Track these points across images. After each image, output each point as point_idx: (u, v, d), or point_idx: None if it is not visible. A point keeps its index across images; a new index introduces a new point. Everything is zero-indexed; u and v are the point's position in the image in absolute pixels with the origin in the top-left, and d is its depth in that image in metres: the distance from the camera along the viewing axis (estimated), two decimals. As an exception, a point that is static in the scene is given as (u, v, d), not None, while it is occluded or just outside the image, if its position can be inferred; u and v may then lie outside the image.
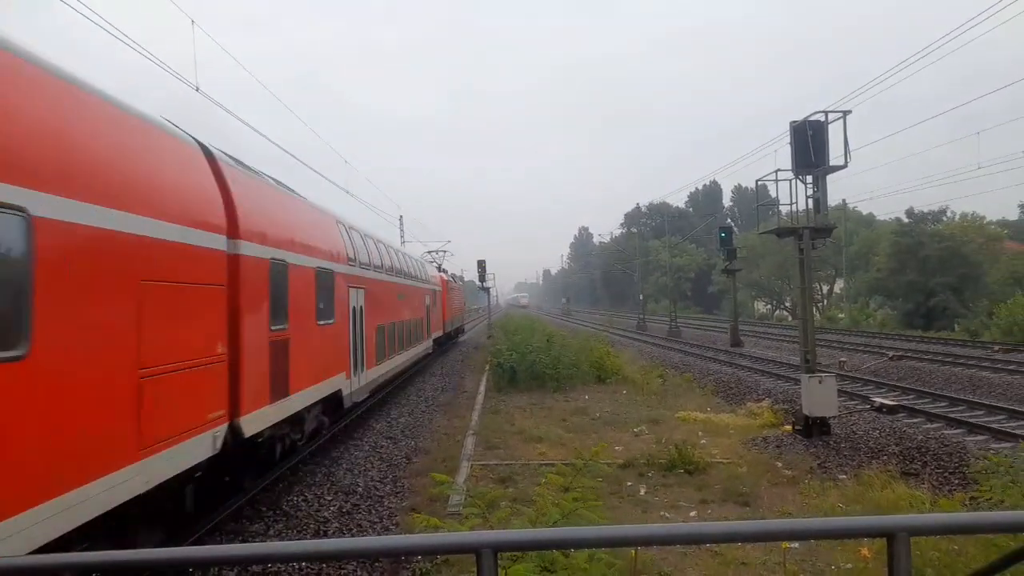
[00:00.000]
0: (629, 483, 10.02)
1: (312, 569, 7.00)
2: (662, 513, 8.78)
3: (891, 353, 26.10)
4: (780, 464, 11.14)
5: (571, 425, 14.58)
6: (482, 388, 20.24)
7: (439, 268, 40.90)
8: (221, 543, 7.59)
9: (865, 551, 6.25)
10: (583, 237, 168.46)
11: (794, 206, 14.23)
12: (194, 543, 7.22)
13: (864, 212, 70.88)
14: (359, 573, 6.94)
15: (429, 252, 46.98)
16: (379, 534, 8.32)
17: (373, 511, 9.19)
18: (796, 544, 7.11)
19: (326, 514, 8.99)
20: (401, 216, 58.06)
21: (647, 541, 2.56)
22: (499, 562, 2.05)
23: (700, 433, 13.58)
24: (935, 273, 46.60)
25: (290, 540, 7.87)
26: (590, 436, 13.19)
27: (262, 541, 7.86)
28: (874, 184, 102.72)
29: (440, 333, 32.65)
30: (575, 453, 10.15)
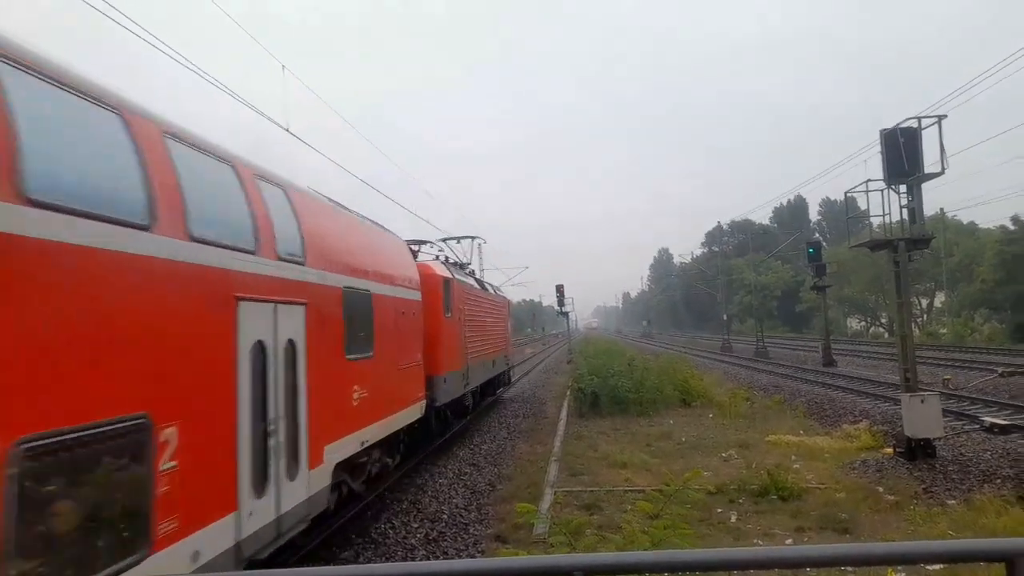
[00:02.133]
0: (719, 510, 9.70)
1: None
2: (755, 541, 8.44)
3: (1000, 369, 24.36)
4: (881, 489, 10.53)
5: (656, 450, 14.27)
6: (563, 414, 20.10)
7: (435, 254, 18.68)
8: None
9: (981, 583, 5.81)
10: (663, 258, 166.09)
11: (887, 217, 13.60)
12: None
13: (965, 221, 66.99)
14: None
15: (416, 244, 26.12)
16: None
17: (459, 538, 9.23)
18: (903, 573, 6.68)
19: (413, 541, 9.09)
20: (480, 245, 58.73)
21: (747, 565, 2.46)
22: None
23: (793, 457, 13.03)
24: (1047, 283, 43.41)
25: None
26: (676, 461, 12.86)
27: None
28: (976, 192, 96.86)
29: (443, 395, 14.45)
30: (661, 479, 9.94)
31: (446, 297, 14.97)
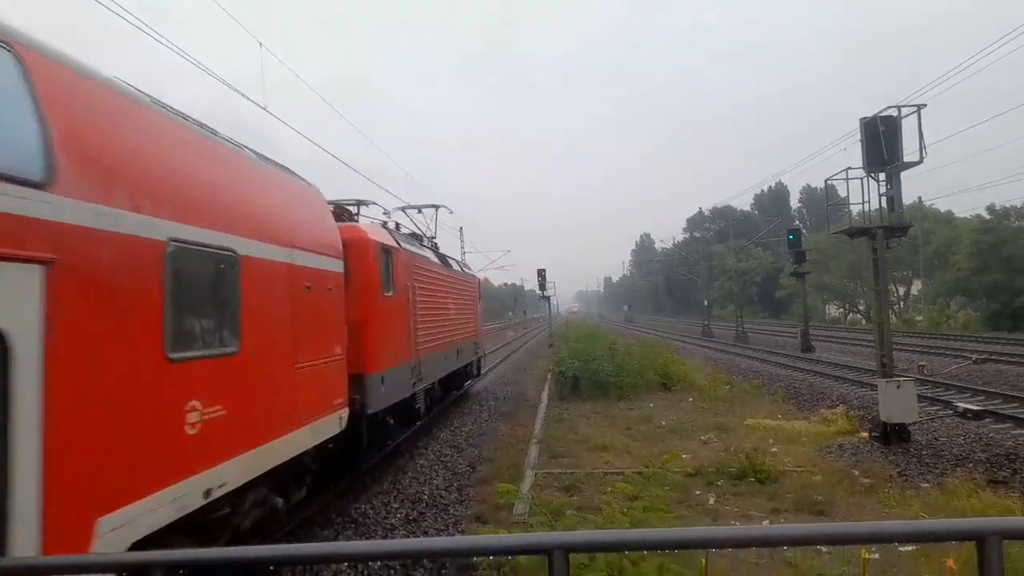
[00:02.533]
0: (698, 492, 9.80)
1: (381, 573, 7.08)
2: (732, 522, 8.54)
3: (974, 356, 24.85)
4: (857, 472, 10.70)
5: (636, 433, 14.37)
6: (544, 397, 20.17)
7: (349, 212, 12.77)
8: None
9: (951, 562, 5.92)
10: (645, 244, 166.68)
11: (866, 205, 13.72)
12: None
13: (942, 209, 67.87)
14: (426, 580, 6.98)
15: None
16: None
17: (439, 519, 9.25)
18: (876, 554, 6.80)
19: (393, 521, 9.10)
20: (461, 228, 58.50)
21: (725, 543, 2.48)
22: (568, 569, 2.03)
23: (771, 441, 13.18)
24: (1022, 271, 44.15)
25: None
26: (656, 444, 12.96)
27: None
28: (952, 181, 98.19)
29: (380, 399, 10.83)
30: (641, 461, 10.03)
31: (385, 270, 11.22)
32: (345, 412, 8.88)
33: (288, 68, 14.62)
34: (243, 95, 11.74)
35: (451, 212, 22.10)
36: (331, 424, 8.37)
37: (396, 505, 9.81)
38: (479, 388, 23.75)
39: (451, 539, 2.35)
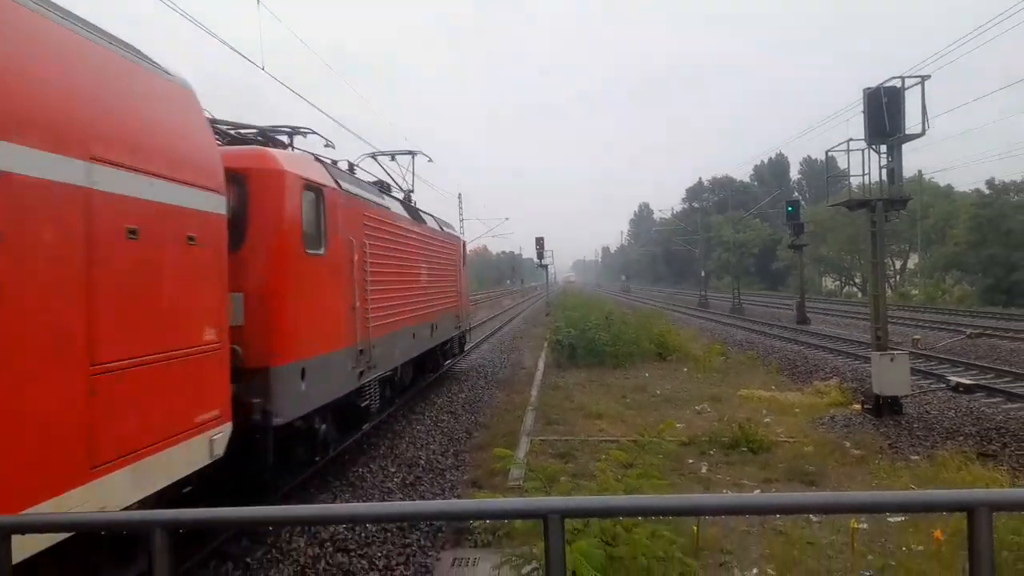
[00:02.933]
0: (691, 461, 9.93)
1: (378, 536, 7.20)
2: (724, 490, 8.66)
3: (969, 331, 25.00)
4: (848, 444, 10.83)
5: (631, 402, 14.50)
6: (540, 364, 20.29)
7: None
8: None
9: (938, 533, 6.04)
10: (643, 214, 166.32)
11: (866, 177, 13.66)
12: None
13: (941, 184, 67.66)
14: (423, 541, 7.10)
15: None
16: (441, 506, 8.47)
17: (435, 483, 9.37)
18: (865, 524, 6.92)
19: (390, 485, 9.21)
20: (460, 194, 58.25)
21: (718, 511, 2.53)
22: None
23: (764, 412, 13.31)
24: (1019, 246, 44.20)
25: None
26: (651, 413, 13.09)
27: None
28: (952, 155, 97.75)
29: (297, 402, 7.54)
30: (636, 430, 10.13)
31: (312, 218, 8.08)
32: (222, 431, 5.88)
33: (288, 28, 14.35)
34: (240, 53, 11.53)
35: (430, 160, 18.87)
36: (185, 456, 5.29)
37: (393, 469, 9.92)
38: (468, 364, 23.79)
39: (448, 502, 2.38)
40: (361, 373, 9.58)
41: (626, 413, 13.21)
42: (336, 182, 8.98)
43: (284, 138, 9.46)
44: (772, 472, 9.35)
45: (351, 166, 11.28)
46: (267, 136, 9.01)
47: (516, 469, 8.61)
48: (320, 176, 8.51)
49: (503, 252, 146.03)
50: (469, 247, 31.09)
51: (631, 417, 12.73)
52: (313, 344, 7.90)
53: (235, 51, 11.42)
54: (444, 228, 18.00)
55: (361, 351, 9.51)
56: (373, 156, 16.20)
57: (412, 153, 17.76)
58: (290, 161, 7.90)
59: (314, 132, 9.91)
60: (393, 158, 17.02)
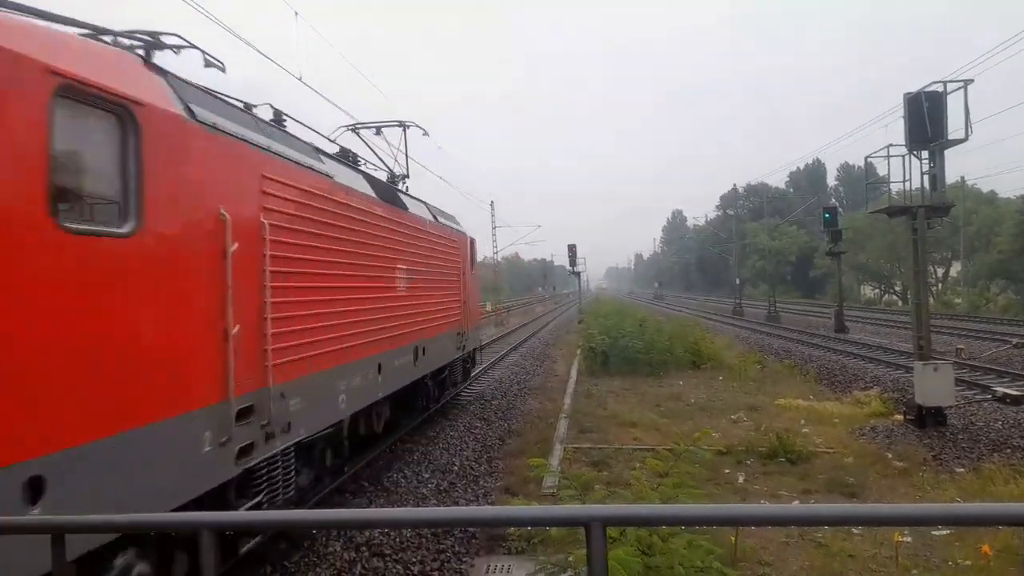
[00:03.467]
0: (727, 471, 9.79)
1: (412, 541, 7.23)
2: (762, 501, 8.52)
3: (1015, 340, 24.24)
4: (890, 455, 10.58)
5: (665, 410, 14.36)
6: (573, 372, 20.22)
7: None
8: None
9: (987, 547, 5.87)
10: (676, 221, 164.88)
11: (907, 183, 13.38)
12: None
13: (985, 190, 65.88)
14: (457, 547, 7.11)
15: None
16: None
17: (469, 490, 9.38)
18: (908, 538, 6.75)
19: (424, 491, 9.25)
20: (492, 202, 58.52)
21: (764, 521, 2.47)
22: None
23: (802, 421, 13.08)
24: (1067, 254, 42.83)
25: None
26: (685, 422, 12.95)
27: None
28: (996, 160, 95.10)
29: None
30: (670, 439, 10.03)
31: (95, 162, 4.20)
32: None
33: (322, 37, 14.59)
34: (277, 63, 11.69)
35: (426, 134, 14.98)
36: None
37: (427, 475, 9.96)
38: (500, 373, 23.76)
39: (490, 508, 2.36)
40: (245, 449, 5.55)
41: (660, 422, 13.09)
42: (187, 108, 5.10)
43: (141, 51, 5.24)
44: (811, 483, 9.18)
45: (247, 106, 6.86)
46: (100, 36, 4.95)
47: (550, 477, 8.59)
48: (133, 85, 4.54)
49: (535, 259, 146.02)
50: (500, 255, 28.95)
51: (665, 426, 12.61)
52: (80, 418, 3.82)
53: (274, 62, 11.56)
54: (441, 220, 13.75)
55: (246, 409, 5.56)
56: (354, 129, 13.28)
57: (403, 125, 13.99)
58: (21, 35, 3.75)
59: (191, 46, 5.87)
60: (379, 131, 13.61)
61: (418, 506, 8.64)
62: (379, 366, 9.01)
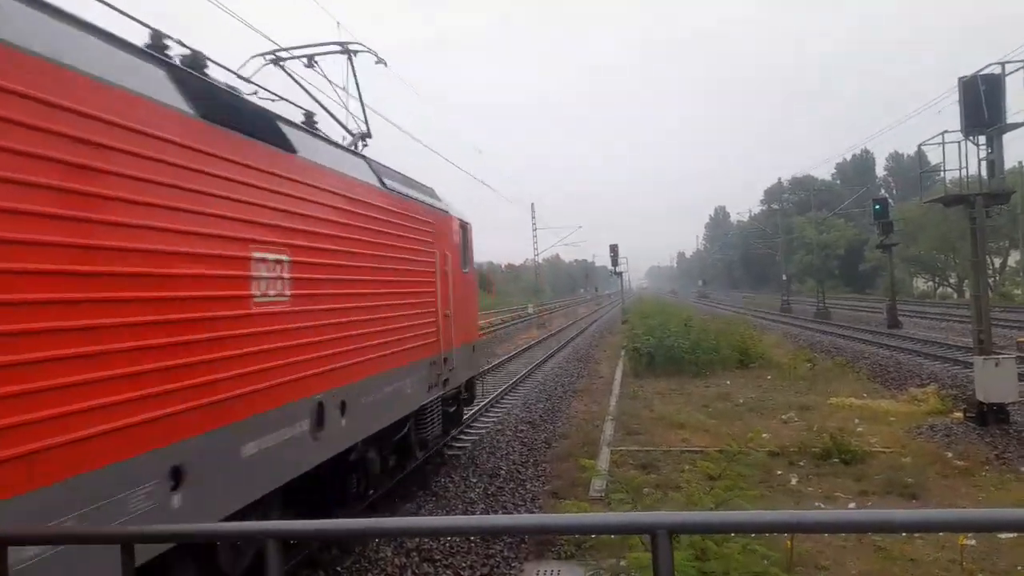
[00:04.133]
0: (779, 472, 9.58)
1: (462, 546, 7.24)
2: (817, 504, 8.31)
3: (1082, 332, 23.22)
4: (950, 454, 10.22)
5: (714, 411, 14.14)
6: (618, 374, 20.06)
7: None
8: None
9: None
10: (719, 217, 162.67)
11: (963, 171, 12.92)
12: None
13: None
14: (506, 552, 7.10)
15: None
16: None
17: (516, 494, 9.37)
18: (973, 541, 6.50)
19: (472, 495, 9.26)
20: (533, 204, 58.49)
21: (834, 528, 2.38)
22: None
23: (856, 420, 12.73)
24: None
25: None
26: (735, 423, 12.73)
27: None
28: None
29: None
30: (720, 440, 9.87)
31: None
32: None
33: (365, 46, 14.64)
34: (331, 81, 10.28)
35: (383, 64, 10.13)
36: None
37: (475, 480, 9.98)
38: (544, 375, 23.69)
39: (553, 516, 2.30)
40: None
41: (709, 423, 12.89)
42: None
43: None
44: (868, 484, 8.92)
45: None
46: None
47: (598, 480, 8.53)
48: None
49: (576, 260, 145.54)
50: (541, 256, 25.12)
51: (714, 427, 12.42)
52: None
53: (331, 83, 9.76)
54: (398, 187, 8.81)
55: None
56: (273, 59, 9.02)
57: (347, 51, 9.53)
58: None
59: None
60: (310, 62, 9.28)
61: (466, 511, 8.65)
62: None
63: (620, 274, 54.10)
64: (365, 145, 9.60)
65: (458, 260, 11.08)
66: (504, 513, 8.52)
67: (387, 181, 8.44)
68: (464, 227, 11.68)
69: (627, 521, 2.22)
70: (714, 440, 10.77)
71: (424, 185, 10.37)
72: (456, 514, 8.46)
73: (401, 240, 8.43)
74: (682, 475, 8.09)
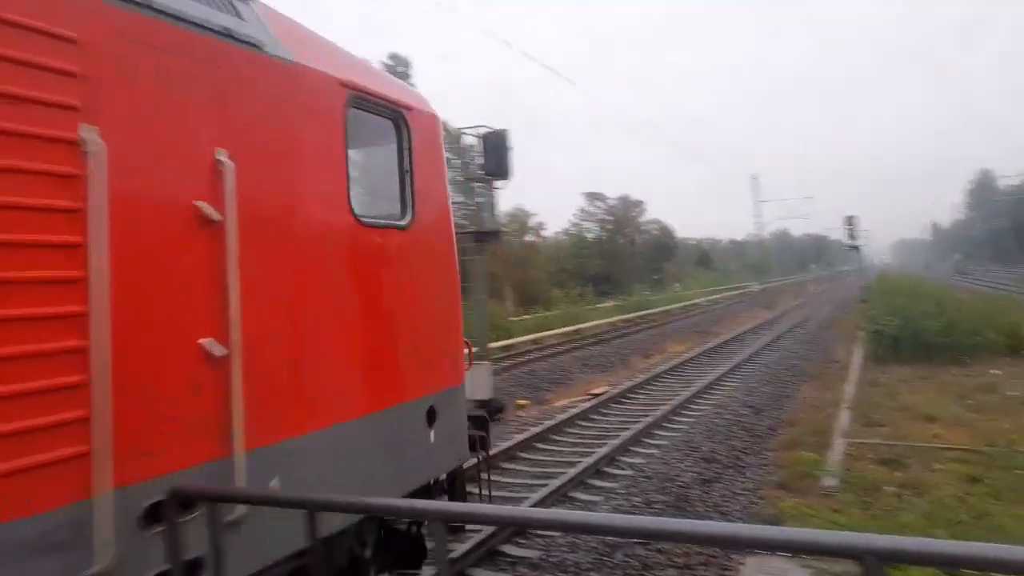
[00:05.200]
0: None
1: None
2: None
3: None
4: None
5: (975, 404, 12.31)
6: (855, 358, 18.26)
7: None
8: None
9: None
10: (983, 181, 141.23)
11: None
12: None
13: None
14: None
15: None
16: (742, 508, 8.01)
17: (735, 482, 8.88)
18: None
19: (686, 479, 8.93)
20: (754, 175, 54.97)
21: None
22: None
23: None
24: None
25: (647, 514, 8.03)
26: (1002, 419, 10.95)
27: (610, 505, 8.15)
28: None
29: None
30: (982, 437, 8.54)
31: None
32: None
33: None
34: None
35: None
36: None
37: (689, 463, 9.62)
38: (769, 357, 22.10)
39: (751, 527, 2.09)
40: None
41: (968, 417, 11.25)
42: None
43: None
44: None
45: None
46: None
47: (830, 478, 7.81)
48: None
49: (806, 234, 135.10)
50: (768, 228, 23.40)
51: (975, 422, 10.79)
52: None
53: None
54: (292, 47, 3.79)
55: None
56: None
57: None
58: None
59: None
60: None
61: (679, 496, 8.36)
62: None
63: (858, 248, 49.04)
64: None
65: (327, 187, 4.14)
66: (706, 519, 8.13)
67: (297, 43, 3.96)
68: (403, 119, 4.84)
69: (833, 542, 1.86)
70: (975, 438, 9.35)
71: (385, 73, 5.75)
72: (669, 499, 8.21)
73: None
74: (931, 475, 7.12)
